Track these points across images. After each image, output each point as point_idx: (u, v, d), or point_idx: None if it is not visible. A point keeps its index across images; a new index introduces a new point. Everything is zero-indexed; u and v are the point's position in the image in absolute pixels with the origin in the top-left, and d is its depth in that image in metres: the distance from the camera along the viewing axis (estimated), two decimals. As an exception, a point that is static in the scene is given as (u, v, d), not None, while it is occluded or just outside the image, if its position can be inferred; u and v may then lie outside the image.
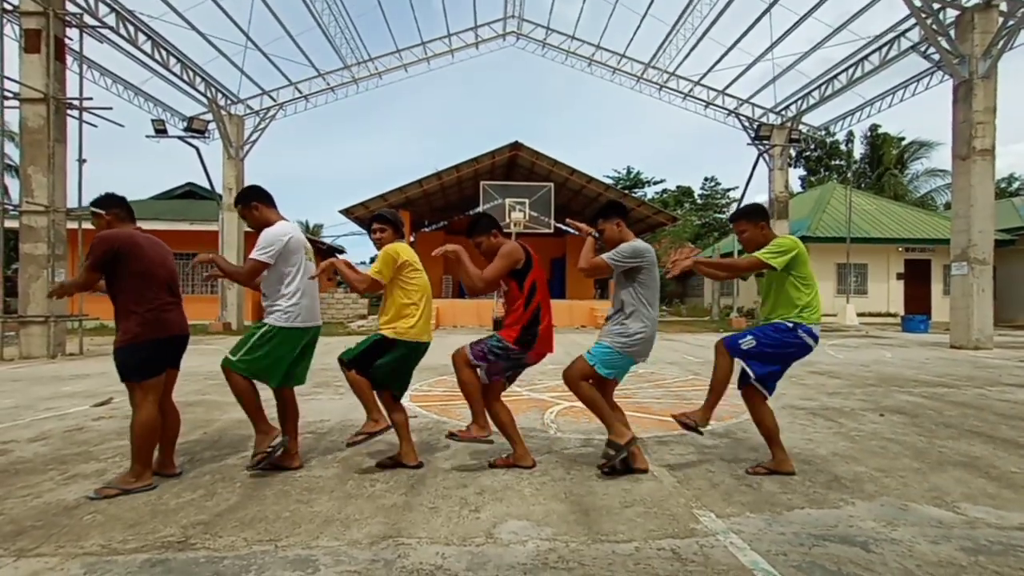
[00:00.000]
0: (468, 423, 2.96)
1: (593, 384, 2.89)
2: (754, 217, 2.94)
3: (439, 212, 22.74)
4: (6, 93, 8.69)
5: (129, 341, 2.68)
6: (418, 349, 3.01)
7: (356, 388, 2.91)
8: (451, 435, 2.95)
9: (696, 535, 2.14)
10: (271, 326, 2.84)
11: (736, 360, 2.88)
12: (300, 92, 17.30)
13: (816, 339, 2.79)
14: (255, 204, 2.95)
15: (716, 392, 2.90)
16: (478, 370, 2.87)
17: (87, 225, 9.76)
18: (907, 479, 2.81)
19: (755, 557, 1.95)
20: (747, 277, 3.07)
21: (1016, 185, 33.31)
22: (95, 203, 2.85)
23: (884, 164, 30.45)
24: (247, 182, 16.34)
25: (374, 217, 3.15)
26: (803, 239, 18.62)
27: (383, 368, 2.93)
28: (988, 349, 9.86)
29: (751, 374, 2.82)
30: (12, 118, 9.25)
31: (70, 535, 2.13)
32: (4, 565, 1.89)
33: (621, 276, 2.91)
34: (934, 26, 10.40)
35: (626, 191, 27.34)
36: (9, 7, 8.99)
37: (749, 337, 2.81)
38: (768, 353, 2.78)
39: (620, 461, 2.82)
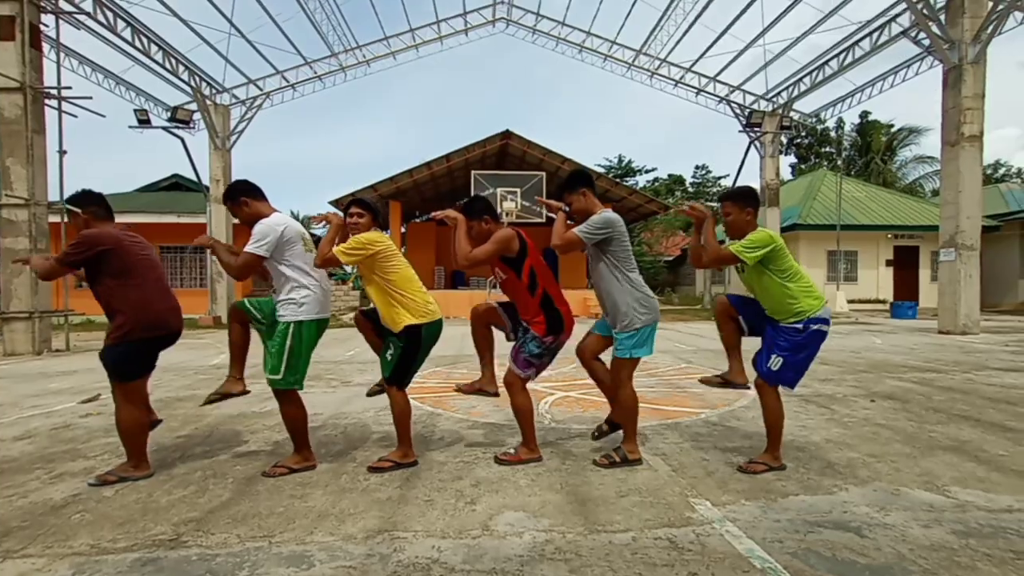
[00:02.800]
0: (516, 445, 2.98)
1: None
2: (742, 200, 2.84)
3: (430, 202, 22.53)
4: (-19, 82, 8.43)
5: (122, 339, 2.64)
6: (438, 325, 2.93)
7: (403, 415, 2.84)
8: (498, 460, 2.91)
9: (692, 524, 2.15)
10: (296, 323, 2.70)
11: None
12: (287, 81, 16.97)
13: (828, 322, 2.75)
14: (243, 200, 2.80)
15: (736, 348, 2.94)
16: (529, 379, 2.88)
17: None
18: (899, 464, 2.84)
19: (751, 545, 1.96)
20: (722, 269, 3.06)
21: (1002, 171, 33.71)
22: (71, 200, 2.75)
23: (872, 151, 30.63)
24: (234, 173, 16.07)
25: (353, 200, 2.98)
26: (794, 227, 18.71)
27: (419, 363, 2.89)
28: (975, 334, 10.02)
29: (790, 389, 2.81)
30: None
31: (58, 535, 2.09)
32: (-10, 567, 1.85)
33: (595, 250, 2.87)
34: (924, 11, 10.39)
35: (617, 179, 27.29)
36: (-19, -8, 8.68)
37: (774, 357, 2.72)
38: (796, 362, 2.73)
39: (620, 454, 2.87)
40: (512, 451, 2.97)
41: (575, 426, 3.70)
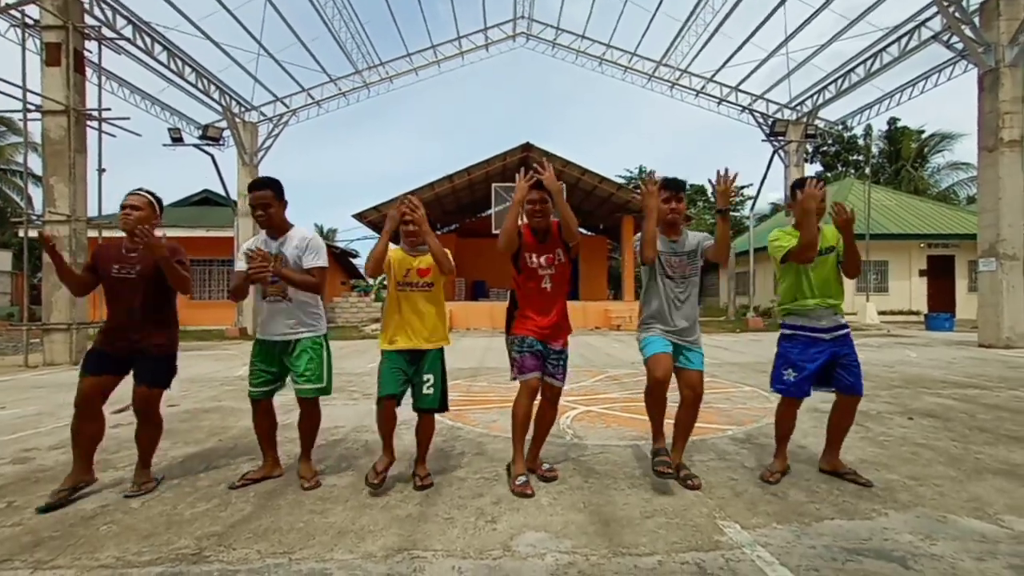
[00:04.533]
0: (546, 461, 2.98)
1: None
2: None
3: (451, 215, 22.77)
4: (29, 106, 8.90)
5: (173, 349, 2.82)
6: None
7: (430, 435, 2.86)
8: (545, 478, 2.84)
9: (721, 548, 2.06)
10: (325, 335, 2.86)
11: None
12: (312, 98, 17.47)
13: None
14: (284, 201, 2.80)
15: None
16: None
17: (107, 233, 9.95)
18: (943, 488, 2.68)
19: (785, 572, 1.86)
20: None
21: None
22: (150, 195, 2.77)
23: (902, 158, 29.74)
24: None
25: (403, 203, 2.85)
26: (821, 236, 18.19)
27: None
28: (1020, 348, 9.52)
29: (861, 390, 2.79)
30: (35, 129, 9.47)
31: (86, 546, 2.13)
32: (21, 578, 1.89)
33: (696, 266, 2.83)
34: (957, 14, 10.10)
35: (638, 191, 27.15)
36: (31, 21, 9.21)
37: (856, 369, 2.73)
38: None
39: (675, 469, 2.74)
40: (547, 466, 2.93)
41: (597, 443, 3.62)
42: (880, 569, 1.88)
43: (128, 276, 2.67)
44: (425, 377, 2.74)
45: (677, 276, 2.79)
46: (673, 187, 2.78)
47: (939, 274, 19.10)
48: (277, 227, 2.78)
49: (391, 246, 2.75)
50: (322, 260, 2.76)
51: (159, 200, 2.81)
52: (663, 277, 2.79)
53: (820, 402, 4.90)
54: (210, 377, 6.92)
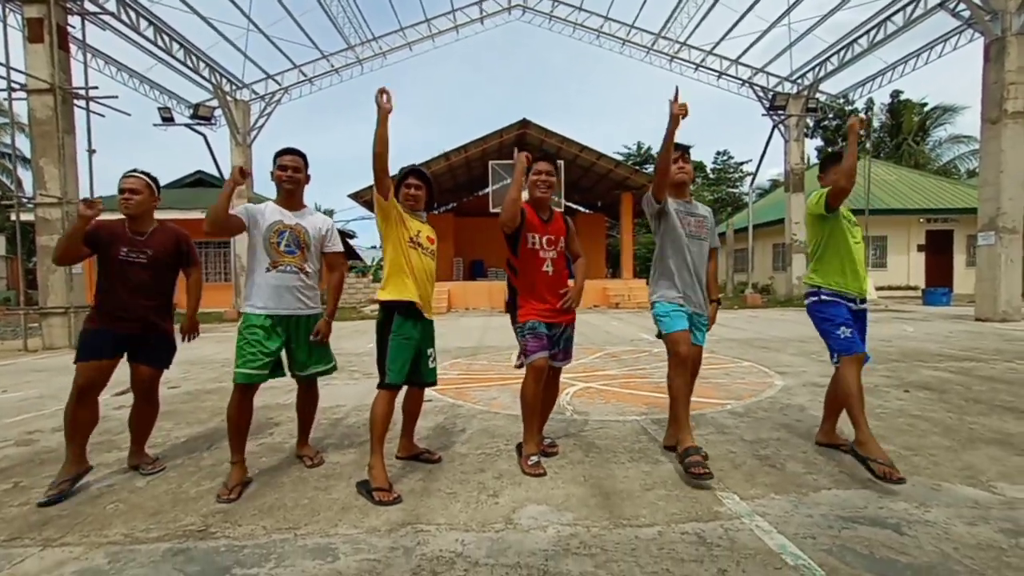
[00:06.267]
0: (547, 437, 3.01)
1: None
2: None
3: (448, 193, 22.55)
4: (13, 84, 8.69)
5: (173, 330, 2.85)
6: None
7: (420, 408, 2.86)
8: (548, 454, 2.86)
9: (720, 518, 2.09)
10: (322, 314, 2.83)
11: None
12: (305, 75, 17.08)
13: None
14: (308, 175, 2.71)
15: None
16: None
17: (101, 217, 9.83)
18: (938, 457, 2.72)
19: (783, 541, 1.90)
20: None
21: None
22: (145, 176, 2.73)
23: (903, 132, 29.39)
24: (256, 168, 16.31)
25: (412, 171, 2.65)
26: (820, 212, 18.10)
27: None
28: (1016, 321, 9.59)
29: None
30: (21, 109, 9.25)
31: (94, 524, 2.16)
32: (30, 555, 1.92)
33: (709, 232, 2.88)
34: (964, -18, 9.85)
35: (637, 167, 26.85)
36: (10, -4, 8.92)
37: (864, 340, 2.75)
38: None
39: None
40: (548, 441, 2.98)
41: (597, 418, 3.66)
42: (875, 536, 1.92)
43: (137, 260, 2.62)
44: (429, 351, 2.68)
45: (694, 235, 2.78)
46: (679, 148, 2.78)
47: (937, 249, 19.11)
48: (298, 198, 2.71)
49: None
50: (340, 247, 2.82)
51: (156, 181, 2.74)
52: (682, 234, 2.73)
53: (819, 376, 4.96)
54: (210, 359, 6.93)
